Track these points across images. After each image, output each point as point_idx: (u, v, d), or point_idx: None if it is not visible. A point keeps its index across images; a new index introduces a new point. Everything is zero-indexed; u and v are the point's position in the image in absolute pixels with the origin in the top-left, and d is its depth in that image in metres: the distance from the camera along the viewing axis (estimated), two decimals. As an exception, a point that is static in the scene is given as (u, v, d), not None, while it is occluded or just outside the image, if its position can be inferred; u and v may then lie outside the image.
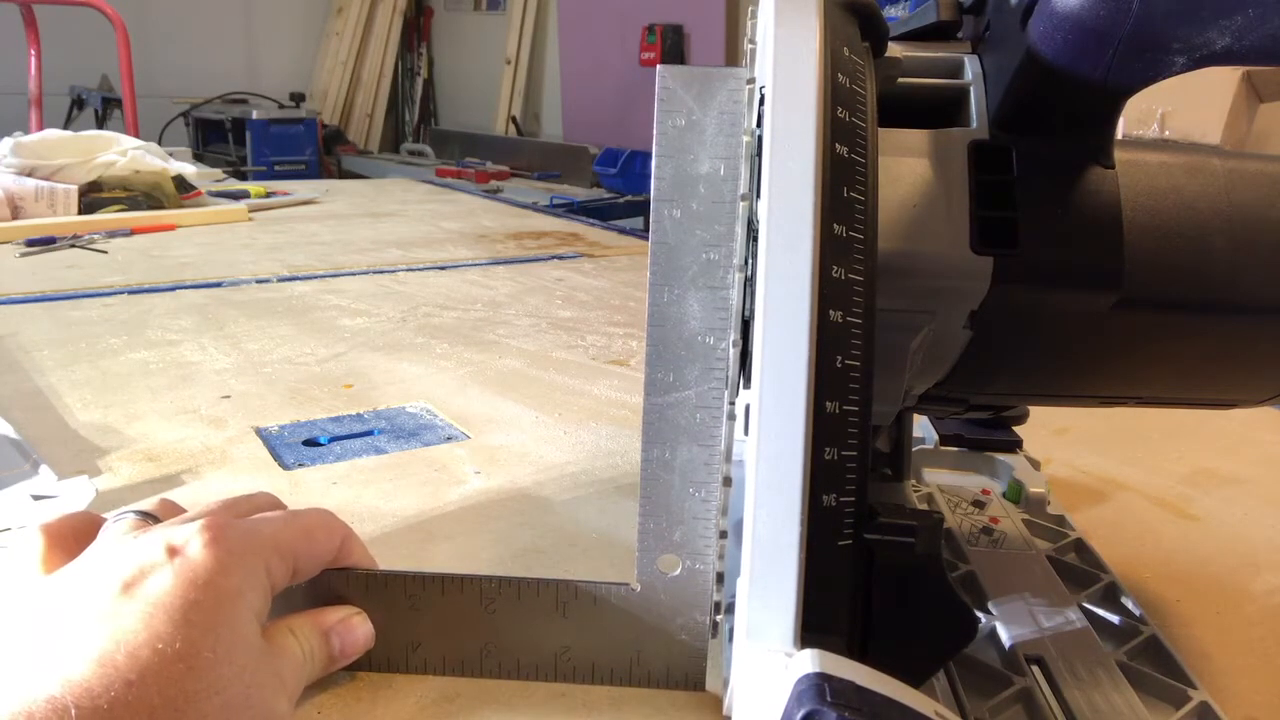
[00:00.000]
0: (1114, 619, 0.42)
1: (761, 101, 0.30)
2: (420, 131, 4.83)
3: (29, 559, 0.34)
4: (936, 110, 0.34)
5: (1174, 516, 0.56)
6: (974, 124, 0.33)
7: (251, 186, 1.78)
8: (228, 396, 0.69)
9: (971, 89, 0.34)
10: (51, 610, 0.30)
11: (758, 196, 0.30)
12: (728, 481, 0.34)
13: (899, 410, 0.38)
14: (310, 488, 0.55)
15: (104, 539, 0.34)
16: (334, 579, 0.37)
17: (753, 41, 0.34)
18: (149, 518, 0.36)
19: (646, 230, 0.35)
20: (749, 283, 0.31)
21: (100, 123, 3.52)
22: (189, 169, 1.55)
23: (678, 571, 0.35)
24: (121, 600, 0.29)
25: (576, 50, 4.00)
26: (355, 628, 0.36)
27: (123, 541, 0.33)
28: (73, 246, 1.24)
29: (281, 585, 0.34)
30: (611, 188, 3.15)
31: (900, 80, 0.34)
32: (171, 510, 0.38)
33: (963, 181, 0.32)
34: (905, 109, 0.34)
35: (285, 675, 0.32)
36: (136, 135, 1.87)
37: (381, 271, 1.15)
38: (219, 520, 0.33)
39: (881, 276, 0.28)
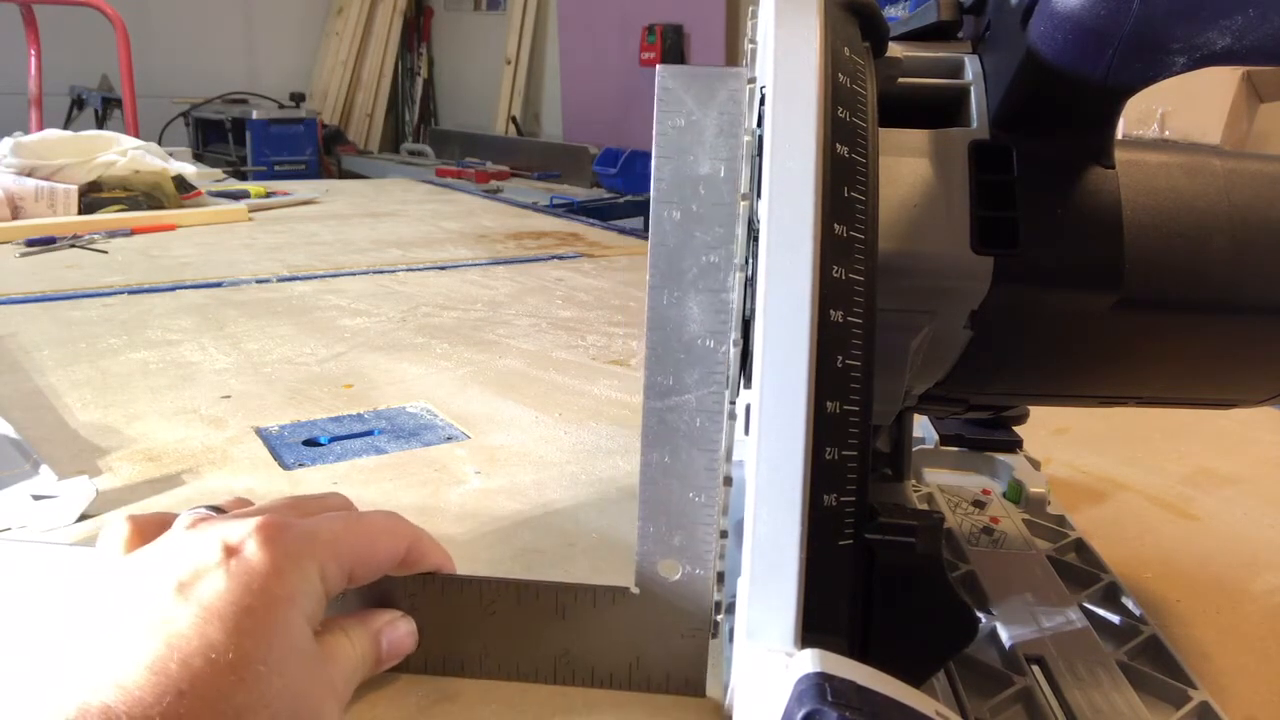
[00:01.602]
0: (1114, 619, 0.42)
1: (761, 101, 0.30)
2: (420, 131, 4.83)
3: (113, 545, 0.35)
4: (937, 110, 0.34)
5: (1174, 516, 0.56)
6: (974, 124, 0.33)
7: (251, 186, 1.78)
8: (228, 396, 0.69)
9: (972, 89, 0.34)
10: (109, 605, 0.30)
11: (758, 196, 0.30)
12: (728, 481, 0.34)
13: (899, 410, 0.38)
14: (310, 488, 0.55)
15: (169, 533, 0.34)
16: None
17: (753, 41, 0.34)
18: (222, 514, 0.36)
19: (647, 230, 0.34)
20: (749, 283, 0.31)
21: (100, 123, 3.52)
22: (189, 169, 1.55)
23: (678, 576, 0.35)
24: (176, 603, 0.29)
25: (576, 50, 4.00)
26: (401, 630, 0.36)
27: (182, 537, 0.33)
28: (73, 246, 1.24)
29: (336, 590, 0.33)
30: (611, 188, 3.14)
31: (900, 80, 0.34)
32: (242, 508, 0.38)
33: (963, 181, 0.32)
34: (905, 109, 0.34)
35: (337, 681, 0.32)
36: (136, 135, 1.87)
37: (381, 271, 1.15)
38: (276, 520, 0.32)
39: (882, 276, 0.28)
